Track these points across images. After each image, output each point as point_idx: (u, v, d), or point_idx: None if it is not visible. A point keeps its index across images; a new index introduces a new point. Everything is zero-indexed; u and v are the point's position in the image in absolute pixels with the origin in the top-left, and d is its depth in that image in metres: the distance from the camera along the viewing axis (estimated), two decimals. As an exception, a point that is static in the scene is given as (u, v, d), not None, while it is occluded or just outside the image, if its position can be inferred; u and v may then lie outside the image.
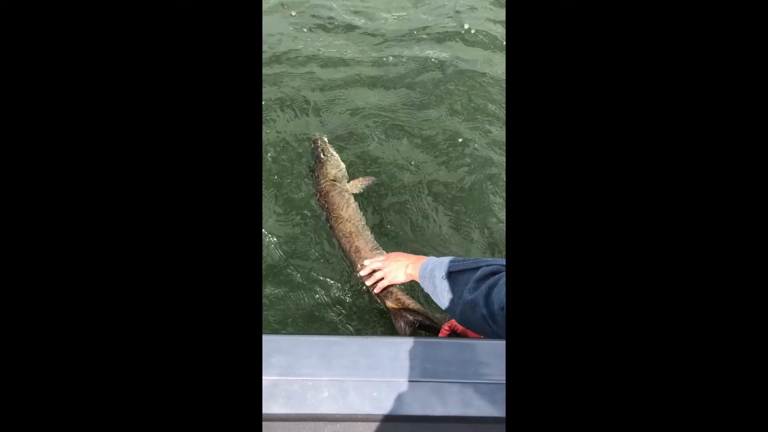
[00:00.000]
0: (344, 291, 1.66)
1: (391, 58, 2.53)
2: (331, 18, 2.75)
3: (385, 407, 0.62)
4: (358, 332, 1.59)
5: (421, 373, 0.65)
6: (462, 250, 1.81)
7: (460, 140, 2.15)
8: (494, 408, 0.61)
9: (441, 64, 2.51)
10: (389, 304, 1.53)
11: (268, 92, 2.27)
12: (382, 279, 1.47)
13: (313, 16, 2.77)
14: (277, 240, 1.77)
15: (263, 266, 1.69)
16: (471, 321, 1.01)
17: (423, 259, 1.31)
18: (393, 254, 1.49)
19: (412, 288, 1.58)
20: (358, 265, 1.60)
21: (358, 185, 1.89)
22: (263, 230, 1.78)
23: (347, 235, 1.68)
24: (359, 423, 0.61)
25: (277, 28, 2.66)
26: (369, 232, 1.72)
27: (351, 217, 1.73)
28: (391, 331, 1.54)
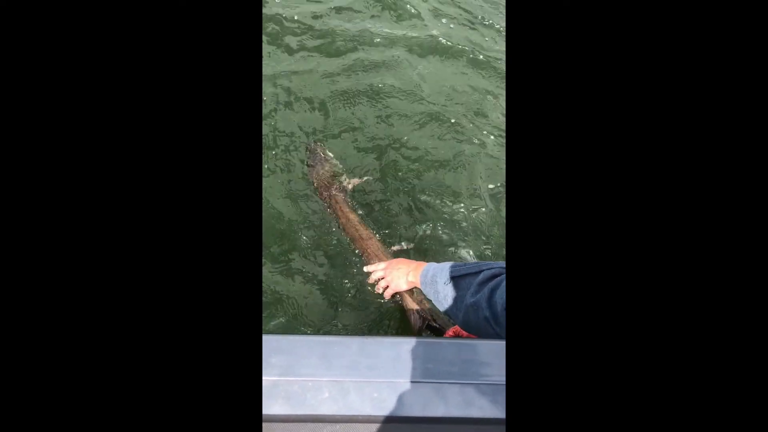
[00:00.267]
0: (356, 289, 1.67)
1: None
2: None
3: (385, 408, 0.61)
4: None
5: (423, 373, 0.64)
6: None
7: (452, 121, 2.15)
8: (496, 409, 0.61)
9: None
10: (406, 302, 1.54)
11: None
12: (387, 287, 1.48)
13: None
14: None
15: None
16: (474, 324, 1.01)
17: (423, 266, 1.31)
18: (394, 262, 1.49)
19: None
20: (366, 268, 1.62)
21: (356, 183, 1.88)
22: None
23: (356, 238, 1.69)
24: (359, 424, 0.61)
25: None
26: (372, 233, 1.72)
27: (354, 218, 1.74)
28: (401, 330, 1.55)
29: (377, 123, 2.19)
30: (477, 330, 1.02)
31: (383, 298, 1.53)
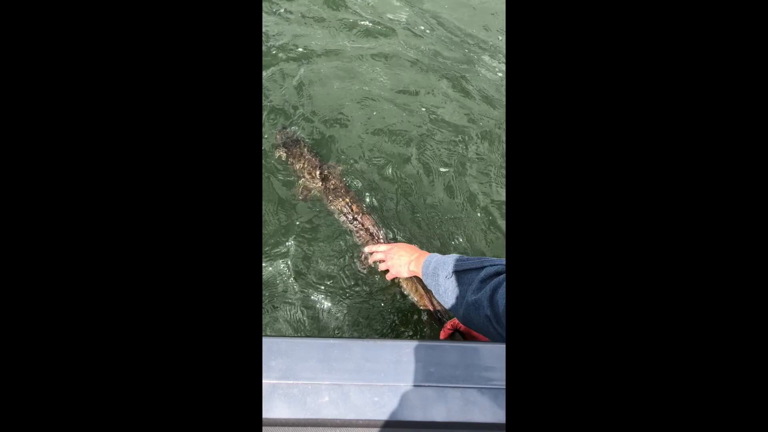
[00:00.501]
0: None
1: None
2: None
3: (386, 412, 0.61)
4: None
5: (425, 377, 0.63)
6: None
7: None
8: (500, 414, 0.60)
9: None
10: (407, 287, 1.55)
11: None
12: (387, 271, 1.47)
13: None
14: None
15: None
16: (474, 322, 1.00)
17: (426, 255, 1.30)
18: (396, 247, 1.48)
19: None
20: (363, 254, 1.63)
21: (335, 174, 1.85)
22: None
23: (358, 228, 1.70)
24: (360, 429, 0.61)
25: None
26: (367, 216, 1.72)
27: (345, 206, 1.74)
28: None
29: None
30: (477, 327, 1.01)
31: (378, 273, 1.53)
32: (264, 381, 0.61)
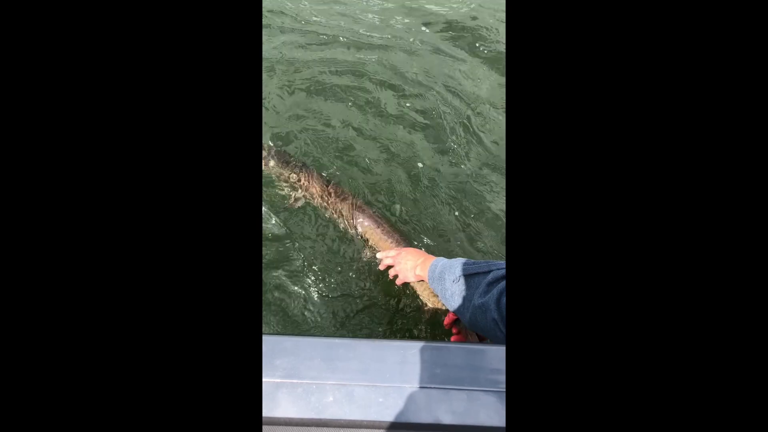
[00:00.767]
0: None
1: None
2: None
3: (391, 414, 0.60)
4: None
5: (430, 378, 0.63)
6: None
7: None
8: (505, 417, 0.60)
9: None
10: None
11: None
12: (396, 276, 1.47)
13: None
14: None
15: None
16: (481, 325, 1.00)
17: (432, 260, 1.30)
18: (404, 251, 1.48)
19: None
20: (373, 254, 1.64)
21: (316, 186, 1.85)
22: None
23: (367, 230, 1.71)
24: (365, 429, 0.60)
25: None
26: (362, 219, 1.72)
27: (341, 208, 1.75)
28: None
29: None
30: (484, 331, 1.01)
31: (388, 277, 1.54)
32: (269, 379, 0.61)
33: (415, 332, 1.56)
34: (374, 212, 1.76)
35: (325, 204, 1.78)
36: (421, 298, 1.55)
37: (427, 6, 3.01)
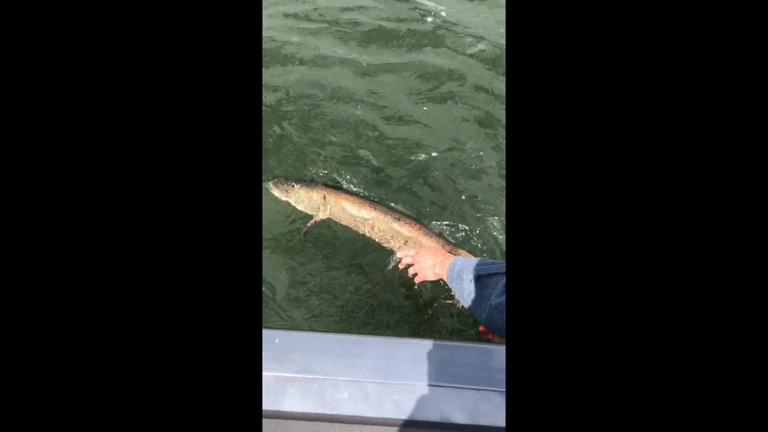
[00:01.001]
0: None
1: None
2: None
3: (405, 412, 0.60)
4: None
5: (445, 377, 0.63)
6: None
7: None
8: None
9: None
10: None
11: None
12: (416, 274, 1.48)
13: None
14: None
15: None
16: (498, 325, 1.00)
17: (450, 258, 1.29)
18: (423, 250, 1.48)
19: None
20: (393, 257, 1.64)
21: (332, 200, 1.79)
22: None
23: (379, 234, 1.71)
24: (378, 427, 0.61)
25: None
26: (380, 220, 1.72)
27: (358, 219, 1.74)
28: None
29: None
30: (500, 331, 1.00)
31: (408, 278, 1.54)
32: (283, 374, 0.62)
33: (439, 331, 1.56)
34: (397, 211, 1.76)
35: (352, 220, 1.77)
36: (441, 297, 1.55)
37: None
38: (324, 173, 1.96)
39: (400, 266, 1.55)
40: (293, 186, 1.79)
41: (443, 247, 1.60)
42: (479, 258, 1.18)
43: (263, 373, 0.63)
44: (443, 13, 2.82)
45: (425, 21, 2.79)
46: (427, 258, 1.42)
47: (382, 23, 2.74)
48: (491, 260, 1.14)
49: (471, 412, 0.61)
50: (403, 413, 0.60)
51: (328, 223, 1.80)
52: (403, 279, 1.62)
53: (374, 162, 2.03)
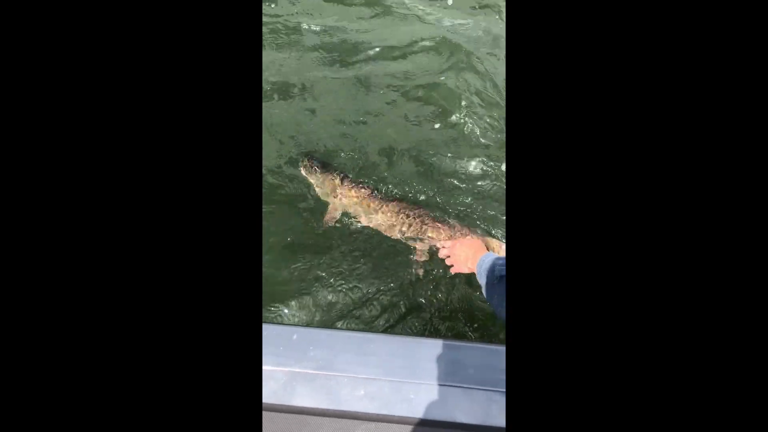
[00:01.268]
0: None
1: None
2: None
3: (421, 411, 0.61)
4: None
5: (464, 378, 0.63)
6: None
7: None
8: None
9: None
10: None
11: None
12: (452, 266, 1.48)
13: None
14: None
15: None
16: None
17: (483, 253, 1.29)
18: (458, 243, 1.48)
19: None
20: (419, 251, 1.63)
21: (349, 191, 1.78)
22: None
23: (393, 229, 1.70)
24: (393, 425, 0.61)
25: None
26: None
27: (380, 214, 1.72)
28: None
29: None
30: None
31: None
32: (301, 370, 0.63)
33: (466, 331, 1.55)
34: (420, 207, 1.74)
35: (372, 209, 1.76)
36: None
37: None
38: (356, 164, 1.96)
39: (440, 255, 1.55)
40: (316, 169, 1.81)
41: (479, 239, 1.59)
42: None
43: (280, 369, 0.63)
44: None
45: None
46: (461, 251, 1.43)
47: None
48: None
49: (490, 413, 0.61)
50: (420, 412, 0.61)
51: (342, 219, 1.79)
52: (420, 278, 1.61)
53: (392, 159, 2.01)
